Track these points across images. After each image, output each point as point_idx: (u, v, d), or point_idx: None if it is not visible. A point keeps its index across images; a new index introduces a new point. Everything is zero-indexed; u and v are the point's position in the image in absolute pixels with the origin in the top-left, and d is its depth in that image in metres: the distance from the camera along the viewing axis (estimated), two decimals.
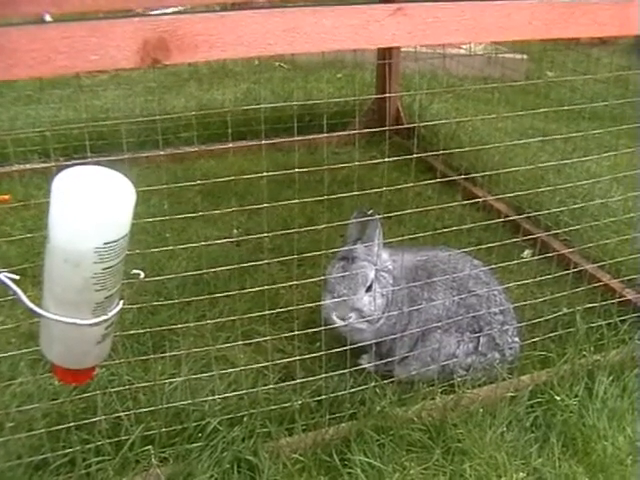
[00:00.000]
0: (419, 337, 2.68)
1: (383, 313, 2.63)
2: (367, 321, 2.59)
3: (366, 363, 2.75)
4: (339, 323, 2.56)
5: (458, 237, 3.09)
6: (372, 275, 2.60)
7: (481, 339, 2.68)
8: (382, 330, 2.65)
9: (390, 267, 2.71)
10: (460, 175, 3.84)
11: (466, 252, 2.86)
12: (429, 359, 2.66)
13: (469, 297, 2.69)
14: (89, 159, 1.77)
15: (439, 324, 2.63)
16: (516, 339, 2.74)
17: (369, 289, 2.58)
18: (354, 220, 2.73)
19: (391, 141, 5.09)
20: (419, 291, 2.69)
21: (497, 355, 2.70)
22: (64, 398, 2.33)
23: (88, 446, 2.19)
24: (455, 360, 2.65)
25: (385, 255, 2.72)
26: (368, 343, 2.62)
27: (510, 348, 2.72)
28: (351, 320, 2.56)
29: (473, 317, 2.67)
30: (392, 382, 2.61)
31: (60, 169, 1.55)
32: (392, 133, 5.18)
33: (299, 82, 6.07)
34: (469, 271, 2.73)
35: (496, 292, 2.75)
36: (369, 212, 2.65)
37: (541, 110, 2.62)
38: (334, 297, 2.57)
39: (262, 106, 2.13)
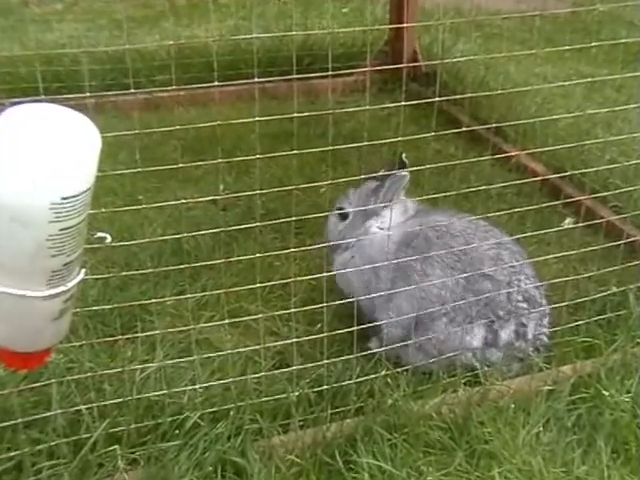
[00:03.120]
0: (418, 320, 2.66)
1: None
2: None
3: (376, 348, 2.74)
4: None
5: (486, 203, 3.05)
6: (347, 208, 2.92)
7: (501, 332, 2.65)
8: (352, 282, 2.78)
9: (379, 228, 2.82)
10: (489, 129, 3.80)
11: (495, 224, 2.82)
12: (434, 350, 2.65)
13: (481, 280, 2.65)
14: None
15: (438, 308, 2.62)
16: (545, 330, 2.71)
17: (342, 217, 2.94)
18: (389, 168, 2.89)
19: (407, 89, 5.03)
20: (412, 261, 2.68)
21: (521, 348, 2.67)
22: (10, 389, 2.29)
23: (39, 447, 2.16)
24: (465, 354, 2.63)
25: (392, 214, 2.70)
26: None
27: (537, 339, 2.69)
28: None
29: (486, 305, 2.64)
30: (406, 371, 2.59)
31: (5, 108, 1.51)
32: (408, 80, 5.13)
33: (297, 18, 6.01)
34: (483, 250, 2.69)
35: (522, 277, 2.72)
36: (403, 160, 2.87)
37: (592, 44, 2.56)
38: None
39: (254, 36, 2.05)
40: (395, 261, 2.64)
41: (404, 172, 2.76)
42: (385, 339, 2.68)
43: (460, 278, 2.64)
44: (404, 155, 2.86)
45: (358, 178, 2.74)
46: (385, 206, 2.75)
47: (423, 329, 2.66)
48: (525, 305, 2.69)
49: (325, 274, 2.39)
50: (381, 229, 2.81)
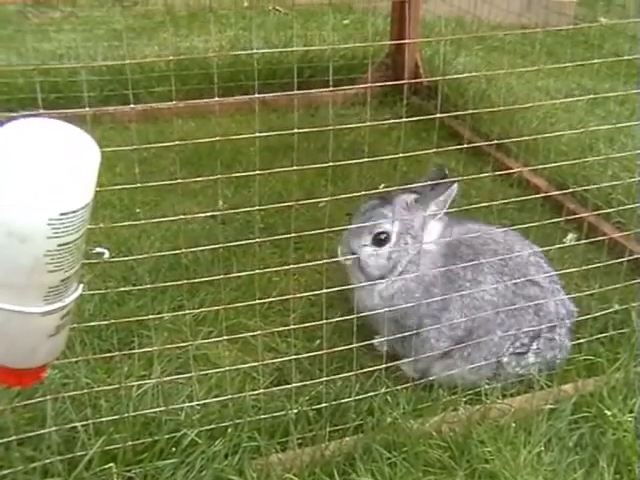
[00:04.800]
0: (470, 329, 2.65)
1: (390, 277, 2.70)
2: (367, 276, 2.70)
3: (380, 345, 2.82)
4: (340, 257, 2.73)
5: (487, 217, 3.06)
6: (388, 229, 2.69)
7: (539, 343, 2.66)
8: (398, 305, 2.64)
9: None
10: (491, 143, 3.81)
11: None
12: (480, 358, 2.64)
13: (529, 285, 2.66)
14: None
15: (488, 310, 2.61)
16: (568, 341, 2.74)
17: (380, 242, 2.69)
18: (431, 174, 2.81)
19: (408, 102, 5.05)
20: (460, 270, 2.66)
21: (549, 358, 2.69)
22: (4, 405, 2.29)
23: (33, 465, 2.15)
24: (513, 364, 2.65)
25: (437, 227, 2.72)
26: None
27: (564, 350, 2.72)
28: (347, 263, 2.73)
29: (536, 314, 2.65)
30: (406, 388, 2.59)
31: (3, 123, 1.51)
32: (409, 93, 5.15)
33: (298, 29, 6.03)
34: (526, 256, 2.71)
35: (559, 287, 2.74)
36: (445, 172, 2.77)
37: (594, 62, 2.57)
38: (348, 231, 2.73)
39: (255, 52, 2.07)
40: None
41: (455, 185, 2.66)
42: (426, 354, 2.66)
43: (510, 284, 2.64)
44: (446, 169, 2.81)
45: (361, 194, 2.73)
46: (436, 217, 2.70)
47: (474, 340, 2.65)
48: (568, 322, 2.72)
49: (325, 290, 2.40)
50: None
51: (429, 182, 2.73)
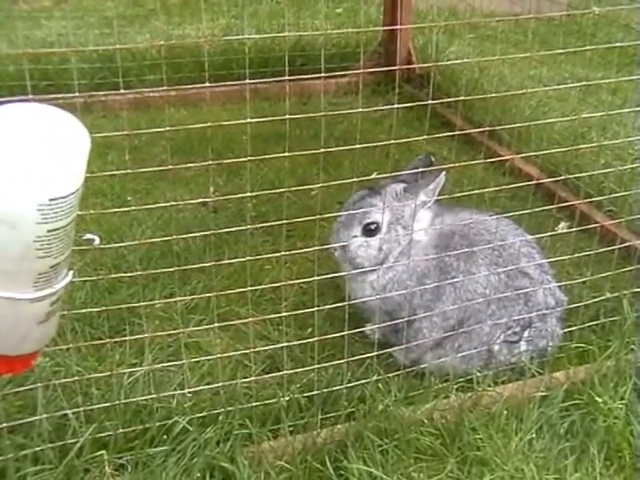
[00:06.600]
0: (461, 319, 2.65)
1: (381, 268, 2.68)
2: (356, 267, 2.71)
3: (371, 332, 2.81)
4: (331, 249, 2.75)
5: (479, 206, 3.06)
6: (378, 219, 2.66)
7: (530, 332, 2.67)
8: (393, 298, 2.65)
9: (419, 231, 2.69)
10: (483, 131, 3.81)
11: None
12: (471, 348, 2.65)
13: (520, 277, 2.66)
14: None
15: (480, 302, 2.60)
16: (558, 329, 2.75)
17: (370, 233, 2.67)
18: (418, 162, 2.81)
19: (400, 91, 5.05)
20: (453, 262, 2.66)
21: (541, 346, 2.69)
22: None
23: (24, 452, 2.15)
24: (504, 352, 2.66)
25: (427, 216, 2.70)
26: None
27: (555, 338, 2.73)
28: (336, 254, 2.74)
29: (525, 304, 2.66)
30: (398, 376, 2.59)
31: None
32: (402, 82, 5.15)
33: (290, 18, 6.02)
34: (519, 245, 2.71)
35: (549, 277, 2.74)
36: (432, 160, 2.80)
37: (586, 48, 2.57)
38: (338, 222, 2.75)
39: (246, 37, 2.05)
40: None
41: (443, 173, 2.65)
42: (418, 345, 2.67)
43: (502, 275, 2.64)
44: (433, 157, 2.81)
45: (353, 181, 2.72)
46: (426, 206, 2.67)
47: (464, 330, 2.65)
48: (558, 314, 2.74)
49: (316, 278, 2.39)
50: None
51: (418, 170, 2.68)
